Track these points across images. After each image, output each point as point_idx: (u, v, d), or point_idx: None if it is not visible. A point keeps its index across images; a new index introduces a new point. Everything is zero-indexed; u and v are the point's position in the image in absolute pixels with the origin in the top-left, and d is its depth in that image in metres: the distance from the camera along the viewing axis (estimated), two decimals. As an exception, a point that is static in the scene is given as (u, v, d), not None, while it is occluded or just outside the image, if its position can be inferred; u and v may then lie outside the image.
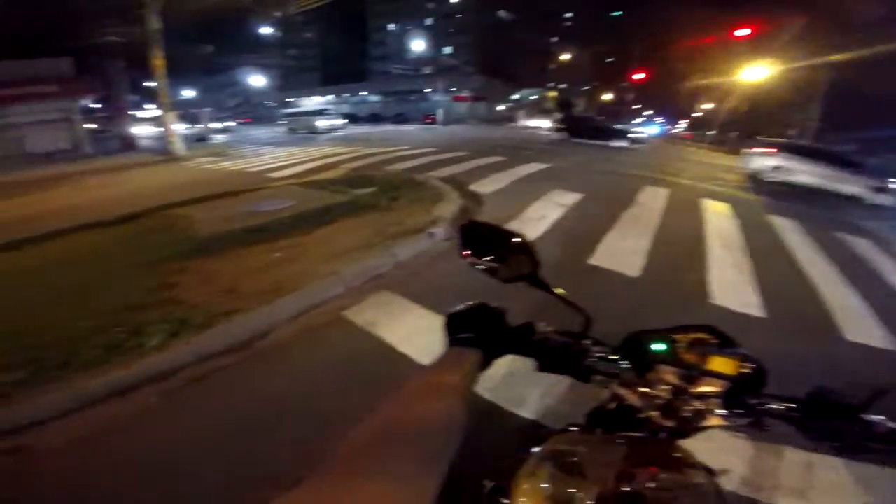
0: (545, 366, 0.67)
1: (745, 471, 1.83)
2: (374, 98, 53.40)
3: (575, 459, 0.60)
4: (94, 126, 21.10)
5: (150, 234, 4.47)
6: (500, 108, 47.04)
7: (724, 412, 0.63)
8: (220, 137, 23.10)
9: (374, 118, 42.41)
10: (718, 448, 1.84)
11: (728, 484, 1.70)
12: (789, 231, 6.10)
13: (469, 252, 0.70)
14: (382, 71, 55.49)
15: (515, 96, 46.17)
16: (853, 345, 3.06)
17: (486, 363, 0.61)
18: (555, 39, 50.79)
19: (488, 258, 0.69)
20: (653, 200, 6.85)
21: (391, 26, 56.83)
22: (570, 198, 6.39)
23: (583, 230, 4.93)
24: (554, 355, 0.66)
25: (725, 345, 0.64)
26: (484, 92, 45.31)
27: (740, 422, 0.64)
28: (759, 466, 1.86)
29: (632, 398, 0.66)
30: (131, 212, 5.28)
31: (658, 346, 0.65)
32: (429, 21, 52.13)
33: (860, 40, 18.44)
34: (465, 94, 44.64)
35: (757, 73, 21.99)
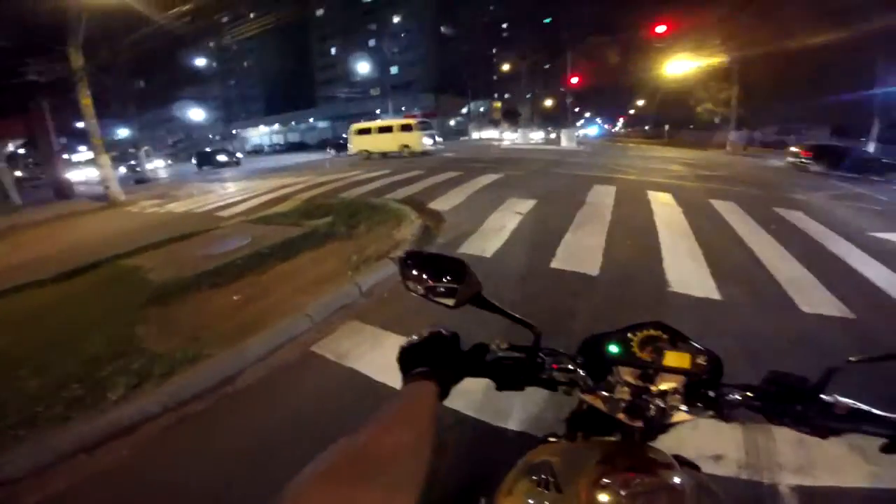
0: (503, 384, 0.67)
1: (741, 454, 1.85)
2: (324, 124, 52.90)
3: (551, 471, 0.59)
4: (20, 174, 19.69)
5: (98, 289, 4.20)
6: (452, 122, 47.86)
7: (686, 407, 0.64)
8: (227, 173, 21.12)
9: (325, 144, 41.99)
10: (710, 435, 1.89)
11: (726, 469, 1.74)
12: (729, 212, 6.54)
13: (411, 282, 0.70)
14: (330, 96, 55.11)
15: (464, 110, 47.20)
16: (810, 316, 3.22)
17: (443, 393, 0.60)
18: (497, 51, 52.48)
19: (431, 286, 0.68)
20: (602, 198, 7.18)
21: (335, 50, 56.73)
22: (526, 205, 6.58)
23: (541, 235, 5.08)
24: (508, 373, 0.67)
25: (677, 339, 0.64)
26: (434, 108, 45.98)
27: (704, 414, 0.64)
28: (753, 448, 1.87)
29: (597, 403, 0.67)
30: (74, 267, 4.92)
31: (613, 348, 0.66)
32: (373, 42, 52.51)
33: (767, 30, 20.35)
34: (415, 112, 45.13)
35: (679, 67, 23.59)
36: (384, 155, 19.67)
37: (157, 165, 23.08)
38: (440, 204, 6.81)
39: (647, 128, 40.89)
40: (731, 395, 0.62)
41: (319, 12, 56.68)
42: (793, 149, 15.32)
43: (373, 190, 8.76)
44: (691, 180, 10.36)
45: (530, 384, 0.67)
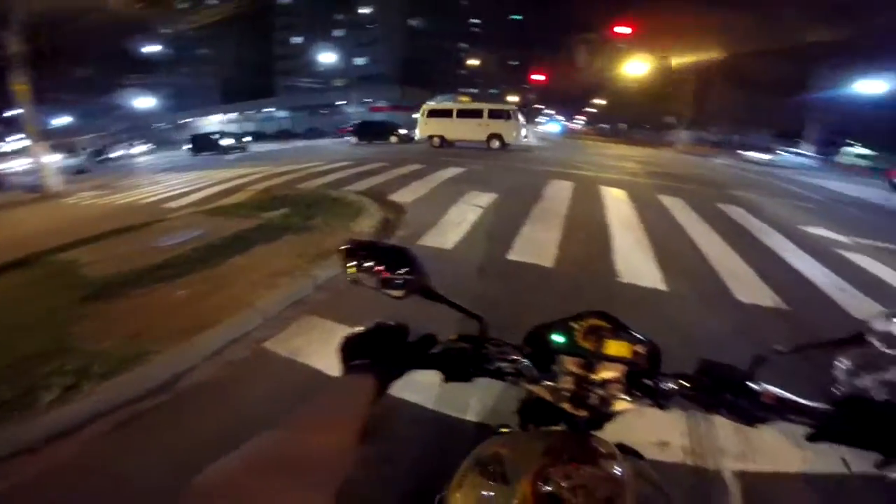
0: (450, 376, 0.66)
1: (685, 441, 1.94)
2: (283, 114, 51.40)
3: (500, 463, 0.59)
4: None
5: (33, 284, 3.89)
6: (416, 115, 47.54)
7: (626, 395, 0.65)
8: (229, 157, 18.51)
9: (284, 135, 40.58)
10: (656, 422, 1.95)
11: (672, 456, 1.83)
12: (676, 208, 6.92)
13: (355, 272, 0.68)
14: (290, 85, 53.39)
15: (431, 103, 47.08)
16: (746, 306, 3.47)
17: (384, 386, 0.57)
18: (465, 45, 52.54)
19: (376, 276, 0.66)
20: (560, 193, 7.42)
21: (298, 39, 54.94)
22: (486, 198, 6.67)
23: (500, 228, 5.16)
24: (455, 364, 0.66)
25: (619, 329, 0.65)
26: (400, 100, 45.54)
27: (643, 403, 0.65)
28: (696, 435, 1.97)
29: (543, 393, 0.67)
30: (5, 262, 4.53)
31: (557, 338, 0.66)
32: (339, 33, 51.21)
33: (723, 39, 21.66)
34: (382, 104, 44.36)
35: (638, 68, 24.52)
36: (450, 145, 16.57)
37: (137, 151, 21.26)
38: (402, 196, 6.77)
39: (605, 126, 42.31)
40: (667, 385, 0.64)
41: (285, 0, 54.69)
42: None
43: (332, 181, 8.54)
44: (643, 177, 10.85)
45: (478, 375, 0.67)
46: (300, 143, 27.33)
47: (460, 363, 0.66)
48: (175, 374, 2.49)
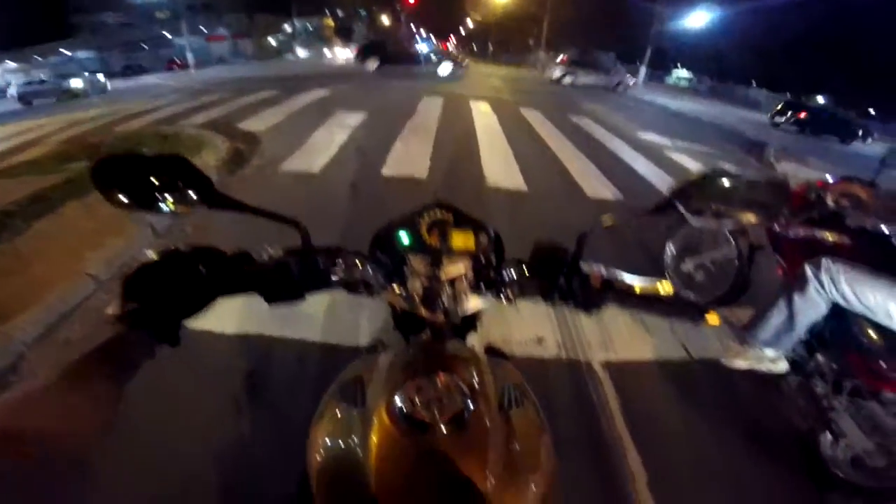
0: (273, 296, 0.57)
1: (559, 336, 2.02)
2: (87, 54, 41.42)
3: (361, 386, 0.55)
4: None
5: None
6: (273, 42, 42.02)
7: (473, 291, 0.62)
8: None
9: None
10: (532, 321, 2.08)
11: (549, 351, 1.92)
12: (535, 119, 7.39)
13: (117, 194, 0.51)
14: (96, 21, 43.32)
15: (288, 28, 41.66)
16: (594, 200, 3.94)
17: (177, 324, 0.48)
18: None
19: (146, 194, 0.51)
20: (430, 109, 7.34)
21: None
22: (355, 118, 6.30)
23: (372, 146, 4.94)
24: (276, 282, 0.56)
25: (460, 218, 0.63)
26: (247, 28, 39.57)
27: (489, 297, 0.63)
28: (566, 329, 2.06)
29: (396, 301, 0.62)
30: None
31: (403, 238, 0.62)
32: None
33: None
34: (220, 32, 38.40)
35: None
36: None
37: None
38: (255, 124, 5.94)
39: (474, 47, 42.39)
40: (508, 274, 0.62)
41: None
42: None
43: (161, 119, 7.08)
44: (507, 93, 11.29)
45: (312, 290, 0.58)
46: (117, 83, 21.64)
47: (283, 280, 0.56)
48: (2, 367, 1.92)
